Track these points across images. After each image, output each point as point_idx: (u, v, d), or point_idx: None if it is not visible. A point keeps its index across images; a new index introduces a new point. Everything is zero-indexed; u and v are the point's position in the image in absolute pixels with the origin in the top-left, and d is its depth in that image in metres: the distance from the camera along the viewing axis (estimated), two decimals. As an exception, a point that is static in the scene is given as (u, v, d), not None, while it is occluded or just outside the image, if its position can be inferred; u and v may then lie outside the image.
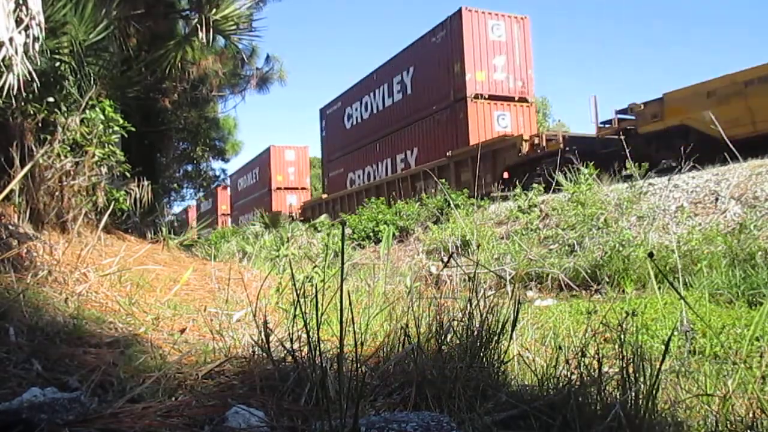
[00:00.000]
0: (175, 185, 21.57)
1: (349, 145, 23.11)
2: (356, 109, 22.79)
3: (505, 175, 12.74)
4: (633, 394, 1.49)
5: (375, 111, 21.35)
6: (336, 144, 24.54)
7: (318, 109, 26.34)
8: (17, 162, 3.91)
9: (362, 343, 1.98)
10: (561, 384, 1.62)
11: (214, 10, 7.58)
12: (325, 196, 24.02)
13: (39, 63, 3.76)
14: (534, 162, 12.11)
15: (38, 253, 3.38)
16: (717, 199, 6.93)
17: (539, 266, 6.38)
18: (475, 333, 1.81)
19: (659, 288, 4.45)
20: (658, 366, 1.47)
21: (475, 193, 11.18)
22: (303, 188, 33.11)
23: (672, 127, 9.99)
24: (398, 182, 17.42)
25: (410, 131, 18.94)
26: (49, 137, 4.44)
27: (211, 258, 7.39)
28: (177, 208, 32.46)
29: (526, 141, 12.67)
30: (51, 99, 4.45)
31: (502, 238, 8.36)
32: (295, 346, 1.84)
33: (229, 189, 39.18)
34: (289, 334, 1.86)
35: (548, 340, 2.81)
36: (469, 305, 1.84)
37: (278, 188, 31.90)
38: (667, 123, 10.17)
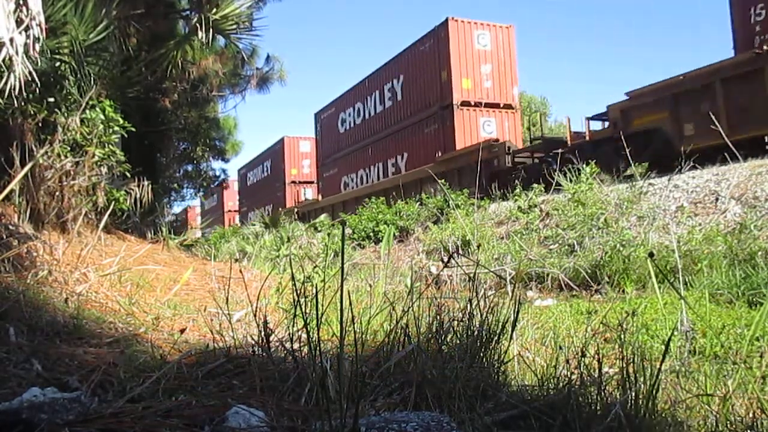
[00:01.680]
0: (175, 185, 21.55)
1: (343, 149, 23.79)
2: (349, 114, 23.45)
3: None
4: (633, 394, 1.49)
5: (367, 116, 22.11)
6: (330, 147, 25.15)
7: (314, 112, 27.05)
8: (17, 162, 3.91)
9: (362, 343, 1.98)
10: (561, 384, 1.62)
11: (214, 10, 7.58)
12: (320, 198, 24.51)
13: (39, 63, 3.76)
14: (515, 167, 13.61)
15: (38, 253, 3.38)
16: (717, 199, 6.93)
17: (539, 266, 6.38)
18: (475, 333, 1.81)
19: (659, 288, 4.45)
20: (658, 366, 1.47)
21: (476, 194, 11.42)
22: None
23: (612, 136, 10.80)
24: (397, 189, 18.52)
25: (400, 137, 19.71)
26: (49, 137, 4.44)
27: (211, 258, 7.39)
28: (177, 208, 32.26)
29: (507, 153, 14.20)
30: (51, 99, 4.45)
31: (502, 238, 8.35)
32: (295, 346, 1.84)
33: (237, 184, 38.13)
34: (289, 334, 1.86)
35: (548, 340, 2.81)
36: (469, 305, 1.84)
37: (293, 182, 29.98)
38: (610, 132, 11.13)
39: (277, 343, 1.92)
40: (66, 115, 4.61)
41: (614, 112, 10.96)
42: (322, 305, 1.46)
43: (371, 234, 12.20)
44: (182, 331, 2.70)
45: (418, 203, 12.26)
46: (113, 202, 5.26)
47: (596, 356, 1.59)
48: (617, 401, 1.48)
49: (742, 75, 8.74)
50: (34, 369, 1.77)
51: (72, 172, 4.57)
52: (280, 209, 26.61)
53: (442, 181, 13.51)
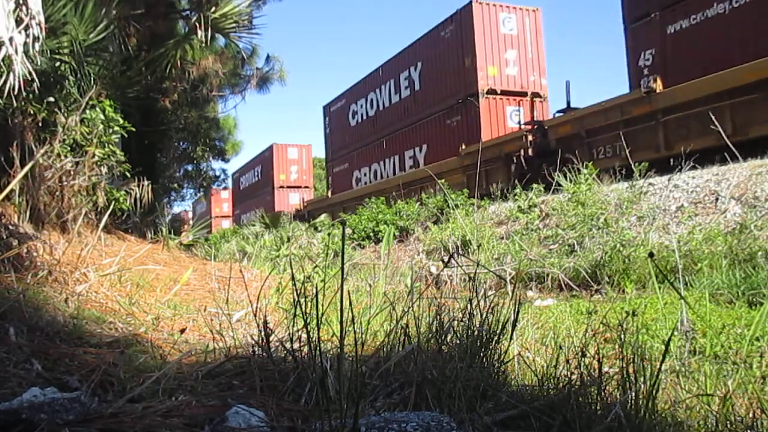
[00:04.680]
0: (175, 185, 21.55)
1: (355, 143, 22.35)
2: (361, 106, 22.01)
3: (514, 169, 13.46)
4: (633, 394, 1.49)
5: (381, 107, 20.60)
6: (340, 141, 23.72)
7: (321, 106, 25.61)
8: (17, 162, 3.92)
9: (362, 343, 1.98)
10: (561, 384, 1.62)
11: (213, 9, 7.59)
12: (329, 194, 23.66)
13: (39, 63, 3.76)
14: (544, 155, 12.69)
15: (38, 253, 3.38)
16: (717, 199, 6.93)
17: (539, 266, 6.38)
18: (475, 333, 1.81)
19: (659, 288, 4.45)
20: (658, 366, 1.47)
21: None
22: (306, 187, 32.46)
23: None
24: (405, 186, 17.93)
25: (419, 128, 18.22)
26: (49, 137, 4.44)
27: (211, 258, 7.39)
28: (177, 208, 32.50)
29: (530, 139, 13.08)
30: (51, 99, 4.46)
31: (502, 238, 8.35)
32: (295, 346, 1.84)
33: (231, 187, 38.79)
34: (289, 334, 1.86)
35: (548, 340, 2.81)
36: (469, 305, 1.84)
37: (281, 186, 31.47)
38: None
39: (277, 343, 1.92)
40: (66, 115, 4.61)
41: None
42: (322, 305, 1.46)
43: (371, 234, 12.20)
44: (182, 331, 2.70)
45: (418, 203, 12.26)
46: (113, 202, 5.26)
47: (596, 356, 1.59)
48: (617, 401, 1.48)
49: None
50: (34, 369, 1.77)
51: (72, 172, 4.57)
52: (267, 212, 26.87)
53: (442, 181, 13.33)
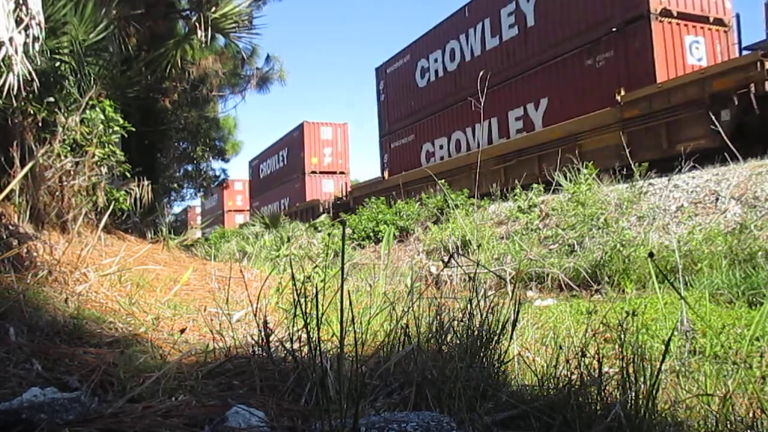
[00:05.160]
0: (175, 185, 21.57)
1: (426, 108, 17.47)
2: (436, 60, 17.14)
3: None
4: (633, 394, 1.49)
5: (469, 58, 15.68)
6: (403, 108, 18.71)
7: (374, 68, 20.79)
8: (17, 162, 3.92)
9: (362, 343, 1.98)
10: (561, 384, 1.62)
11: (213, 8, 7.59)
12: (386, 175, 19.12)
13: (39, 63, 3.76)
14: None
15: (38, 253, 3.38)
16: (717, 199, 6.93)
17: (539, 266, 6.38)
18: (475, 333, 1.81)
19: (659, 288, 4.44)
20: (658, 366, 1.47)
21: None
22: (342, 172, 27.89)
23: None
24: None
25: (535, 77, 13.34)
26: (49, 137, 4.44)
27: (211, 258, 7.40)
28: (177, 208, 32.30)
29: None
30: (51, 99, 4.46)
31: (502, 238, 8.36)
32: (295, 346, 1.84)
33: (248, 176, 36.82)
34: (289, 334, 1.86)
35: (548, 340, 2.81)
36: (469, 305, 1.84)
37: (313, 172, 27.32)
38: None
39: (277, 343, 1.92)
40: (66, 115, 4.61)
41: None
42: (322, 305, 1.46)
43: (371, 234, 12.21)
44: (182, 331, 2.70)
45: (418, 203, 12.26)
46: (113, 202, 5.26)
47: (596, 356, 1.59)
48: (617, 401, 1.48)
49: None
50: (34, 369, 1.77)
51: (72, 172, 4.57)
52: (297, 204, 25.86)
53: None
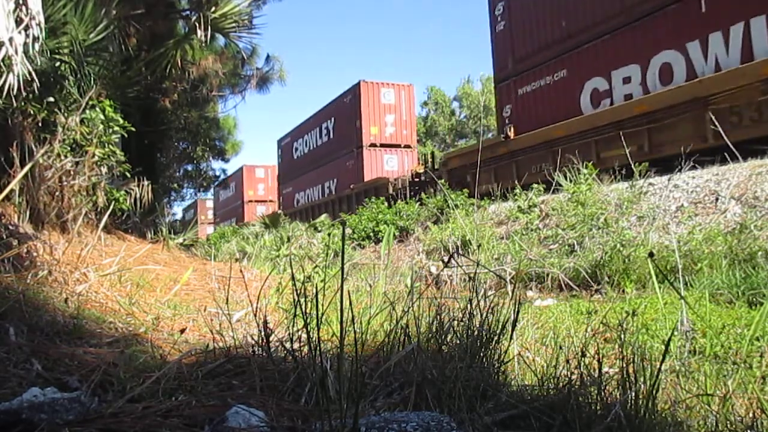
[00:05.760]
0: (175, 185, 21.58)
1: (296, 171, 27.73)
2: (300, 144, 27.80)
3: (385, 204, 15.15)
4: (633, 394, 1.49)
5: (312, 147, 26.31)
6: (287, 169, 29.21)
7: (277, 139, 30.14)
8: (17, 162, 3.92)
9: (362, 343, 1.98)
10: (561, 384, 1.62)
11: (213, 8, 7.59)
12: (281, 211, 25.08)
13: (39, 63, 3.76)
14: (399, 193, 16.63)
15: (38, 253, 3.38)
16: (717, 199, 6.93)
17: (539, 266, 6.38)
18: (475, 333, 1.81)
19: (659, 288, 4.44)
20: (658, 366, 1.47)
21: (476, 195, 11.70)
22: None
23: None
24: (326, 204, 22.28)
25: (332, 166, 23.58)
26: (49, 137, 4.44)
27: (211, 258, 7.40)
28: (177, 208, 32.36)
29: (391, 183, 17.94)
30: (51, 99, 4.46)
31: (502, 238, 8.36)
32: (295, 346, 1.84)
33: (278, 160, 35.61)
34: (289, 334, 1.86)
35: (548, 340, 2.81)
36: (469, 305, 1.84)
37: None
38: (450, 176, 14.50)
39: (277, 343, 1.92)
40: (66, 115, 4.61)
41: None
42: (322, 305, 1.46)
43: (371, 234, 12.21)
44: (182, 331, 2.70)
45: (418, 203, 12.27)
46: (113, 202, 5.26)
47: (596, 356, 1.59)
48: (617, 401, 1.48)
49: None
50: (34, 369, 1.77)
51: (72, 172, 4.57)
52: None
53: (442, 181, 13.37)
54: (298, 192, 27.57)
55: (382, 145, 21.98)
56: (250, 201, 35.71)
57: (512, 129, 12.92)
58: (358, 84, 21.83)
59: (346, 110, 22.82)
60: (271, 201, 35.27)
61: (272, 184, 35.49)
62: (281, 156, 30.76)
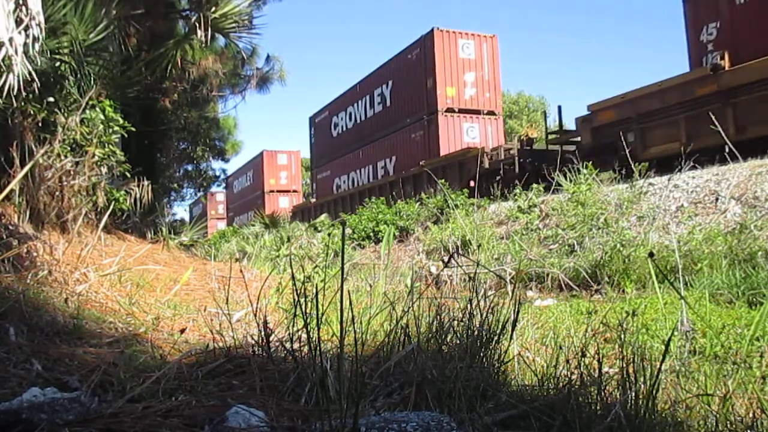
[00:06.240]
0: (175, 185, 21.59)
1: (336, 152, 22.74)
2: (341, 119, 22.73)
3: (471, 183, 12.26)
4: (633, 394, 1.49)
5: (358, 120, 21.33)
6: (324, 150, 24.22)
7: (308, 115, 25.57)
8: (17, 162, 3.92)
9: (362, 343, 1.98)
10: (561, 384, 1.62)
11: (213, 8, 7.59)
12: (314, 200, 23.23)
13: (39, 63, 3.76)
14: (494, 172, 12.28)
15: (38, 253, 3.38)
16: (717, 199, 6.93)
17: (539, 266, 6.38)
18: (475, 333, 1.81)
19: (659, 288, 4.44)
20: (658, 366, 1.47)
21: (475, 194, 10.78)
22: (295, 191, 30.83)
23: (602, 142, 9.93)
24: (380, 188, 17.74)
25: (389, 141, 19.06)
26: (49, 137, 4.44)
27: (211, 258, 7.40)
28: (177, 208, 31.26)
29: (486, 154, 13.17)
30: (51, 99, 4.46)
31: (502, 238, 8.36)
32: (295, 346, 1.84)
33: (310, 138, 32.61)
34: (289, 334, 1.86)
35: (548, 340, 2.81)
36: (469, 305, 1.84)
37: (449, 110, 21.96)
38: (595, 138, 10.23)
39: (277, 343, 1.92)
40: (66, 115, 4.61)
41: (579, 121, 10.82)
42: (322, 305, 1.46)
43: (371, 234, 12.20)
44: (182, 331, 2.70)
45: (418, 203, 12.25)
46: (113, 202, 5.26)
47: (596, 356, 1.59)
48: (617, 401, 1.48)
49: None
50: (34, 369, 1.77)
51: (72, 172, 4.57)
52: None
53: (442, 180, 12.72)
54: (338, 176, 22.70)
55: (460, 111, 16.76)
56: (272, 191, 30.66)
57: (726, 57, 8.92)
58: (431, 33, 16.92)
59: (411, 69, 17.93)
60: (294, 191, 31.43)
61: (296, 171, 31.90)
62: (314, 135, 25.55)
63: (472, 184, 12.13)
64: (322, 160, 24.35)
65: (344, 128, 22.77)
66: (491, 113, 17.37)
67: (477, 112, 17.15)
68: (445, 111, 16.76)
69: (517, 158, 12.19)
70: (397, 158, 18.64)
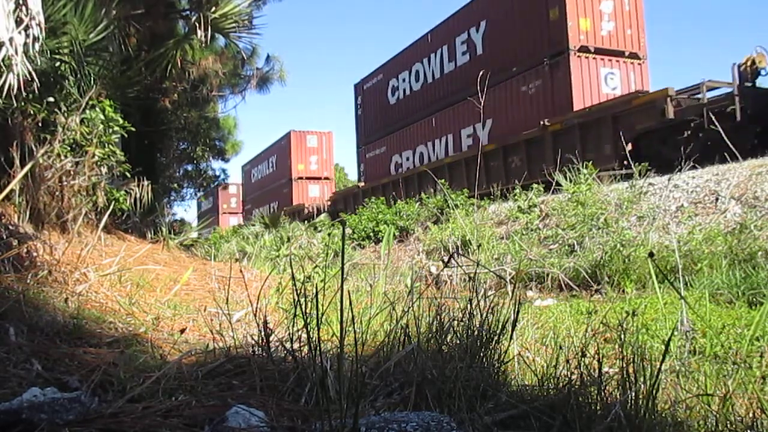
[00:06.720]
0: (175, 185, 21.57)
1: (395, 123, 18.07)
2: (404, 80, 17.92)
3: (629, 146, 8.90)
4: (633, 394, 1.49)
5: (430, 79, 16.58)
6: (377, 122, 19.37)
7: (353, 84, 20.95)
8: (17, 162, 3.92)
9: (362, 343, 1.98)
10: (561, 384, 1.62)
11: (213, 8, 7.59)
12: (362, 185, 18.85)
13: (39, 63, 3.76)
14: (676, 128, 8.67)
15: (38, 253, 3.38)
16: (717, 199, 6.93)
17: (539, 266, 6.38)
18: (475, 333, 1.81)
19: (659, 288, 4.44)
20: (658, 366, 1.47)
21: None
22: (327, 178, 25.96)
23: None
24: (467, 162, 13.57)
25: (481, 100, 13.45)
26: (49, 137, 4.44)
27: (211, 258, 7.40)
28: (177, 208, 30.71)
29: (671, 98, 8.77)
30: (51, 99, 4.46)
31: (502, 238, 8.36)
32: (295, 346, 1.84)
33: (241, 180, 32.30)
34: (289, 334, 1.86)
35: (548, 340, 2.81)
36: (469, 305, 1.84)
37: (299, 178, 24.03)
38: None
39: (277, 343, 1.92)
40: (66, 115, 4.61)
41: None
42: (322, 305, 1.46)
43: (371, 234, 12.21)
44: (182, 331, 2.70)
45: (418, 203, 12.25)
46: (113, 202, 5.26)
47: (596, 356, 1.59)
48: (617, 401, 1.48)
49: None
50: (34, 369, 1.77)
51: (72, 172, 4.57)
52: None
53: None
54: (397, 153, 18.46)
55: (596, 52, 12.27)
56: (300, 178, 25.64)
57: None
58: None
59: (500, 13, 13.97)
60: (326, 179, 26.35)
61: (328, 156, 26.93)
62: (362, 106, 21.06)
63: (630, 147, 8.70)
64: (374, 136, 19.61)
65: (406, 92, 17.95)
66: (634, 56, 12.55)
67: (619, 54, 12.39)
68: (578, 50, 12.01)
69: (738, 101, 7.97)
70: (494, 122, 13.84)
